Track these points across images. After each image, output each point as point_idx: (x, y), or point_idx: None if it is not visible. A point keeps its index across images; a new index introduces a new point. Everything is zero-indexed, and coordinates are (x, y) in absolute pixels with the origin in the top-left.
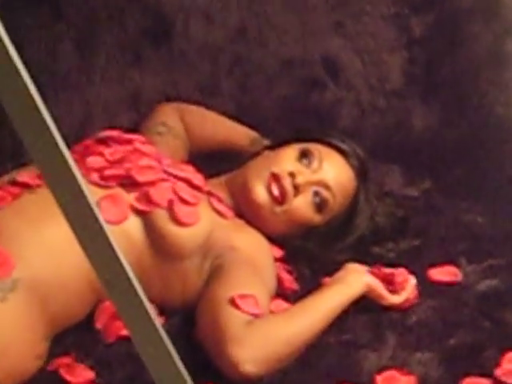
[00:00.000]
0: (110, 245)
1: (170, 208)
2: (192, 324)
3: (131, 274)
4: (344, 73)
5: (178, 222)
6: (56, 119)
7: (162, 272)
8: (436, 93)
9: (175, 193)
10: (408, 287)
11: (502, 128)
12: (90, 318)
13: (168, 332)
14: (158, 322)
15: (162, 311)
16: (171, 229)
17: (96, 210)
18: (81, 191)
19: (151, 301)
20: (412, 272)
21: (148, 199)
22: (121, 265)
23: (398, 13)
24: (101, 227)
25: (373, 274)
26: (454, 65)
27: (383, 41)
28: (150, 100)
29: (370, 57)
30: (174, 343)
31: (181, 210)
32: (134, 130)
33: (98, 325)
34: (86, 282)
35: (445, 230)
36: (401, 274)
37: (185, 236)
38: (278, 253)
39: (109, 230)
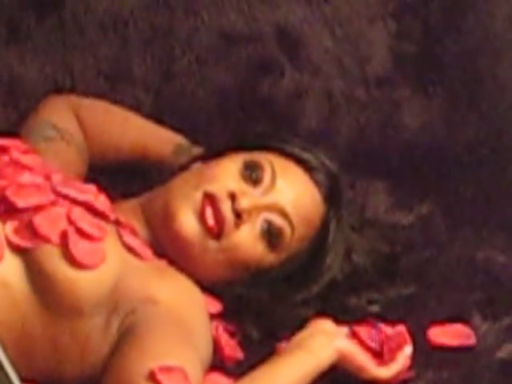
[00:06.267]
0: None
1: (62, 243)
2: None
3: None
4: (307, 51)
5: (74, 262)
6: None
7: (52, 334)
8: (436, 78)
9: (70, 222)
10: (400, 358)
11: None
12: None
13: None
14: None
15: None
16: (65, 272)
17: None
18: None
19: (35, 375)
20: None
21: (32, 231)
22: None
23: None
24: None
25: (353, 335)
26: (460, 38)
27: (362, 6)
28: (32, 91)
29: (343, 29)
30: None
31: (78, 246)
32: (11, 132)
33: None
34: None
35: (450, 273)
36: (397, 335)
37: (84, 283)
38: (215, 307)
39: None
